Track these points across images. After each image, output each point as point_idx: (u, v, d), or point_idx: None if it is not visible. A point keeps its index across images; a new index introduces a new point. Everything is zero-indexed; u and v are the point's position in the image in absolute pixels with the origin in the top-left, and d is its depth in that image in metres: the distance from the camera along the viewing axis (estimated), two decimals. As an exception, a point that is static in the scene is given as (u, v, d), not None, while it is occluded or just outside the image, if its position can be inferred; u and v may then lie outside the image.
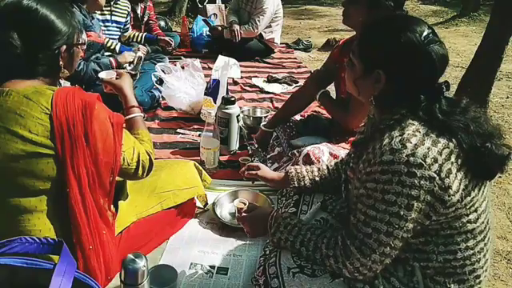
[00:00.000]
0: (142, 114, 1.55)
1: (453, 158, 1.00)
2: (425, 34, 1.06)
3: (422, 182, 0.97)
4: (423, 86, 1.08)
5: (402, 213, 0.99)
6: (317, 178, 1.51)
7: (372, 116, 1.22)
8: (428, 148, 0.99)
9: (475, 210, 1.05)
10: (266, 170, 1.72)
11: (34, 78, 1.16)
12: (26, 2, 1.12)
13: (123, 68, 2.88)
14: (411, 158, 0.98)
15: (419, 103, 1.06)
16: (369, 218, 1.04)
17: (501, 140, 1.05)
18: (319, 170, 1.54)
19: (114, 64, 2.87)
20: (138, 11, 4.09)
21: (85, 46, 2.68)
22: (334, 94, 2.26)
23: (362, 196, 1.07)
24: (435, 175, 0.97)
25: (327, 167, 1.54)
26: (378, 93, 1.12)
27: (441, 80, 1.12)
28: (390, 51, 1.08)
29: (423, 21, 1.11)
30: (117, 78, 1.59)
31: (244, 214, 1.45)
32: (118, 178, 1.28)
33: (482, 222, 1.08)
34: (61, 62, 1.20)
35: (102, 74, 1.64)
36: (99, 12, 3.24)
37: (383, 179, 1.01)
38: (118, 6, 3.45)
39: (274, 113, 2.64)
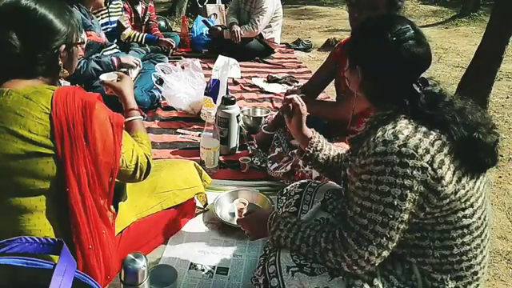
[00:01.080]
0: (142, 117, 1.55)
1: (445, 150, 1.02)
2: (399, 31, 1.08)
3: (414, 172, 0.99)
4: (400, 83, 1.11)
5: (395, 203, 1.01)
6: (330, 158, 1.49)
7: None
8: (419, 139, 1.01)
9: (471, 205, 1.06)
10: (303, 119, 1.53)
11: (34, 78, 1.16)
12: (24, 1, 1.12)
13: (124, 68, 2.85)
14: (403, 149, 1.00)
15: (403, 101, 1.09)
16: (364, 210, 1.05)
17: (488, 128, 1.07)
18: (335, 152, 1.51)
19: (116, 63, 2.84)
20: (139, 12, 4.08)
21: (84, 45, 2.68)
22: (334, 94, 2.26)
23: (358, 189, 1.09)
24: (427, 165, 0.99)
25: (339, 155, 1.51)
26: (359, 87, 1.18)
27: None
28: (365, 49, 1.15)
29: (406, 19, 1.14)
30: (118, 81, 1.59)
31: (244, 216, 1.45)
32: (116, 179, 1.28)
33: (479, 218, 1.09)
34: (60, 62, 1.20)
35: (103, 77, 1.65)
36: (99, 17, 3.24)
37: (376, 170, 1.03)
38: (112, 6, 3.45)
39: (274, 113, 2.64)
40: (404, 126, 1.04)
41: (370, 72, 1.15)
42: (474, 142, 1.03)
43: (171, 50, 4.09)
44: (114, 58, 2.86)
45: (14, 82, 1.13)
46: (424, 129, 1.04)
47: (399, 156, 1.00)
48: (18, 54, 1.11)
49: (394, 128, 1.04)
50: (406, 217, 1.02)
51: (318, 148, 1.48)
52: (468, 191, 1.05)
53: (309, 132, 1.50)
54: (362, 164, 1.08)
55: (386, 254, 1.06)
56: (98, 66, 2.74)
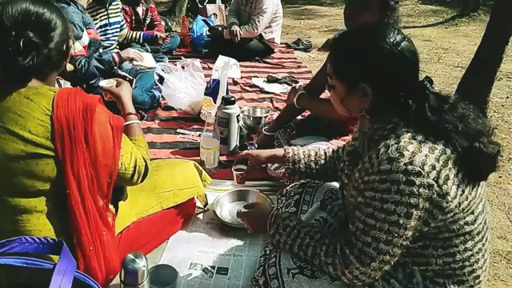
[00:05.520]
0: (139, 121, 1.57)
1: (450, 164, 1.00)
2: (391, 36, 1.06)
3: (420, 190, 0.97)
4: (407, 86, 1.08)
5: (401, 221, 0.99)
6: (312, 164, 1.49)
7: (362, 126, 1.20)
8: (426, 155, 0.98)
9: (472, 212, 1.05)
10: (259, 151, 1.66)
11: (48, 77, 1.16)
12: (31, 8, 1.09)
13: (123, 73, 2.83)
14: (409, 167, 0.97)
15: (409, 106, 1.06)
16: (368, 227, 1.03)
17: (490, 137, 1.05)
18: (316, 154, 1.52)
19: (117, 59, 2.82)
20: (140, 13, 4.07)
21: (87, 43, 2.66)
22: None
23: (361, 204, 1.06)
24: (433, 182, 0.97)
25: (325, 153, 1.52)
26: (369, 105, 1.11)
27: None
28: (368, 63, 1.08)
29: (387, 23, 1.12)
30: (116, 86, 1.61)
31: (245, 210, 1.44)
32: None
33: (480, 223, 1.08)
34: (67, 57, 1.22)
35: (103, 83, 1.69)
36: (98, 19, 3.21)
37: (382, 188, 1.00)
38: (112, 7, 3.38)
39: (274, 113, 2.64)
40: (408, 142, 1.01)
41: (378, 85, 1.08)
42: (476, 153, 1.01)
43: (162, 42, 4.10)
44: (115, 55, 2.83)
45: (33, 82, 1.13)
46: (429, 142, 1.01)
47: (405, 174, 0.97)
48: (46, 55, 1.10)
49: (397, 144, 1.01)
50: (410, 234, 1.01)
51: (297, 159, 1.50)
52: (470, 201, 1.04)
53: (279, 151, 1.56)
54: (366, 181, 1.05)
55: (387, 268, 1.06)
56: (99, 65, 2.70)
